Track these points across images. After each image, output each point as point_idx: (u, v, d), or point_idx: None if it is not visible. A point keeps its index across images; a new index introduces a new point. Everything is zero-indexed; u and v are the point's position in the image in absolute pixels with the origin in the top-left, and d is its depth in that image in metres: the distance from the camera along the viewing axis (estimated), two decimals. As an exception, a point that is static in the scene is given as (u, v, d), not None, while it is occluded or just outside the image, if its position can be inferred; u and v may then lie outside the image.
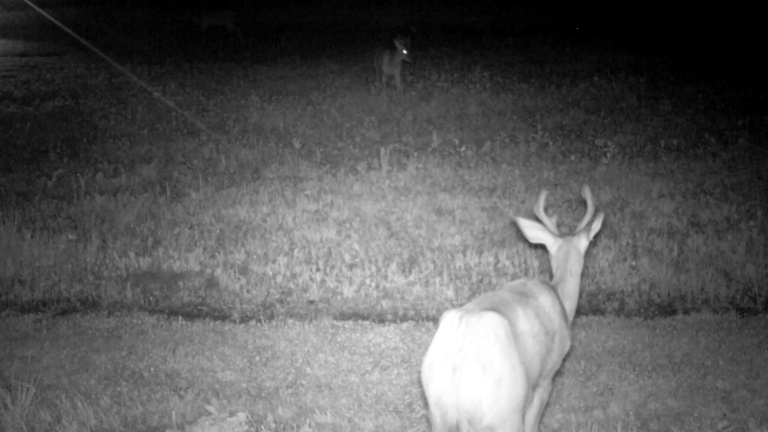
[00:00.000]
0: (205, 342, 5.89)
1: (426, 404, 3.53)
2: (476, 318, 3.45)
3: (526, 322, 3.74)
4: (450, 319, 3.50)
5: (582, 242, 4.37)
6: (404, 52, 13.42)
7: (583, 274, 4.49)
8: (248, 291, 6.73)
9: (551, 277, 4.41)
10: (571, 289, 4.29)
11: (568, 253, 4.31)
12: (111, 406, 4.98)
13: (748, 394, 4.99)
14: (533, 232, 4.42)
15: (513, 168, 9.54)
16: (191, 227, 7.96)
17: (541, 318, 3.85)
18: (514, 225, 4.61)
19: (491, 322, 3.46)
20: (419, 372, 3.56)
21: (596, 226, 4.41)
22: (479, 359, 3.37)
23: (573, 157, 9.94)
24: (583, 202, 4.60)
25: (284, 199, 8.70)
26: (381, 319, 6.24)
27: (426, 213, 8.18)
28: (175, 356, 5.68)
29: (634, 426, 4.65)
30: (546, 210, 4.51)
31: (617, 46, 18.15)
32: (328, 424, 4.80)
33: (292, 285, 6.81)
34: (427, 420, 3.57)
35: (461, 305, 6.28)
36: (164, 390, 5.20)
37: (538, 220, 4.49)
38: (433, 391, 3.44)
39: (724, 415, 4.74)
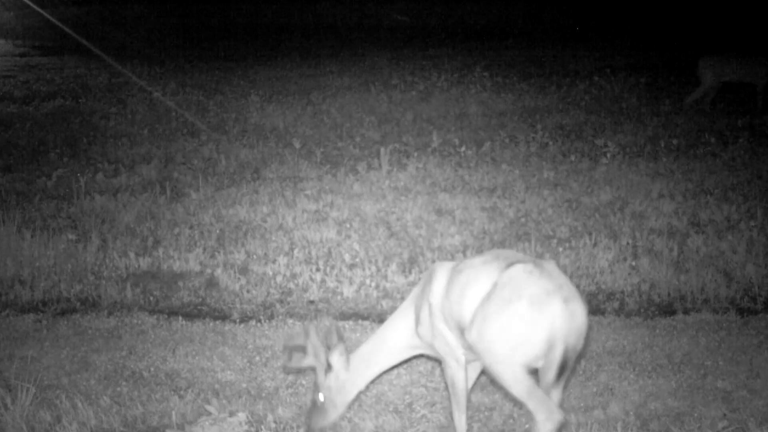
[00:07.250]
0: (205, 342, 5.89)
1: (525, 352, 3.68)
2: (549, 264, 3.88)
3: None
4: (524, 268, 3.78)
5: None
6: None
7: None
8: (248, 291, 6.72)
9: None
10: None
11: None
12: (111, 406, 4.97)
13: (748, 394, 4.98)
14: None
15: (513, 168, 9.54)
16: (191, 227, 7.96)
17: None
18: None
19: (556, 267, 3.89)
20: (520, 316, 3.68)
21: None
22: (577, 293, 3.81)
23: (573, 157, 9.94)
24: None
25: (284, 199, 8.70)
26: (381, 319, 6.20)
27: (426, 213, 8.18)
28: (175, 356, 5.68)
29: (634, 426, 4.64)
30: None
31: (617, 46, 18.16)
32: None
33: (292, 285, 6.80)
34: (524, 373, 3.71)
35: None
36: (164, 390, 5.19)
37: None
38: (547, 324, 3.67)
39: (724, 415, 4.73)
